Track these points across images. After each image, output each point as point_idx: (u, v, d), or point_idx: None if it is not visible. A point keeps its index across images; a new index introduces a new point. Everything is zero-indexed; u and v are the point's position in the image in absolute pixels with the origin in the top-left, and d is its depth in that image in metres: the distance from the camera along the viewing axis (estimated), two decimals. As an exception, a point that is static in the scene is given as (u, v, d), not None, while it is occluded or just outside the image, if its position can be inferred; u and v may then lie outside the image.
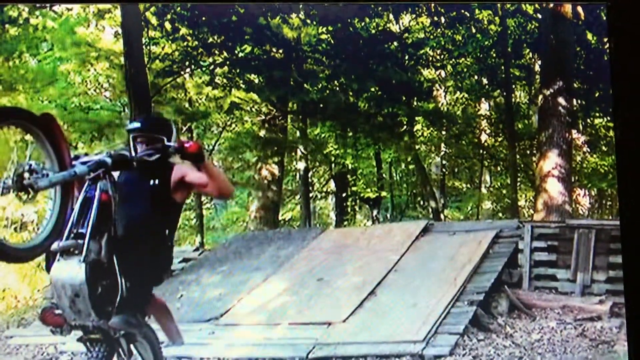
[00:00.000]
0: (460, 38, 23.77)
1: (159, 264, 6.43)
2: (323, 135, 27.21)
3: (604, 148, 26.15)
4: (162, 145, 6.15)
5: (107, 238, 5.81)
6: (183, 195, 6.47)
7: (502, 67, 24.16)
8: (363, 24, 23.25)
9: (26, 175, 5.22)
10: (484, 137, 26.71)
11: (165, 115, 21.31)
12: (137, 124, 6.38)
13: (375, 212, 27.48)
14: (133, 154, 6.32)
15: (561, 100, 18.68)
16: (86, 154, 6.16)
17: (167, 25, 21.15)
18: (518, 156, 24.29)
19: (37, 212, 18.46)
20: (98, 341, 5.97)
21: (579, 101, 23.44)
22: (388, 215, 29.27)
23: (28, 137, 5.82)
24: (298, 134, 26.40)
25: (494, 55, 24.50)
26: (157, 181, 6.29)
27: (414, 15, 25.90)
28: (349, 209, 29.39)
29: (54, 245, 5.67)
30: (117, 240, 5.84)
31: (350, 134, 25.63)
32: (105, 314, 5.74)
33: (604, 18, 20.74)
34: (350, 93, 23.43)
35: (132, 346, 6.24)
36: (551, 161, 18.31)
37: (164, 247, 6.41)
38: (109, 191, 5.84)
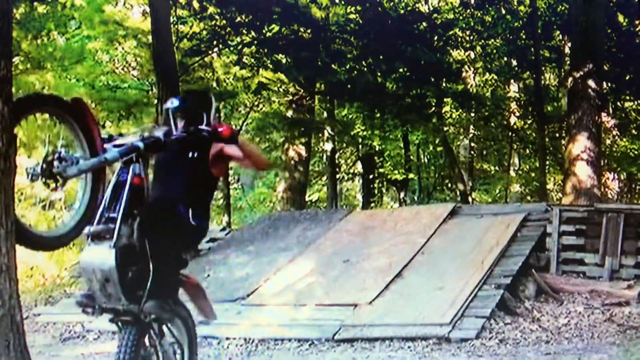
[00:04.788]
0: (489, 19, 23.65)
1: (190, 240, 6.44)
2: (350, 116, 27.23)
3: (634, 132, 26.02)
4: (194, 129, 6.15)
5: (139, 221, 5.79)
6: (220, 169, 6.49)
7: (532, 49, 24.02)
8: (392, 3, 23.21)
9: (55, 163, 5.19)
10: (513, 119, 26.65)
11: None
12: (176, 103, 6.34)
13: (402, 194, 27.49)
14: (174, 129, 6.27)
15: (591, 82, 18.52)
16: (120, 134, 6.21)
17: (195, 4, 21.15)
18: (547, 139, 24.19)
19: (65, 191, 18.56)
20: (129, 323, 5.99)
21: (609, 84, 23.28)
22: (415, 198, 29.28)
23: (59, 122, 5.80)
24: (325, 114, 26.43)
25: (524, 36, 24.37)
26: (196, 154, 6.27)
27: (443, -4, 25.89)
28: (375, 191, 29.43)
29: (85, 230, 5.68)
30: (149, 217, 5.86)
31: (378, 115, 25.61)
32: (135, 298, 5.73)
33: (635, 0, 20.60)
34: (379, 74, 23.36)
35: (163, 327, 6.26)
36: (580, 144, 18.18)
37: (200, 220, 6.42)
38: (142, 174, 5.79)
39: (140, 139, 5.83)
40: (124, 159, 5.65)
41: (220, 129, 6.08)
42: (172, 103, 6.35)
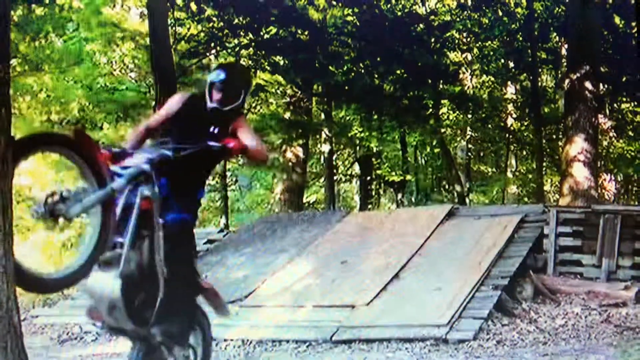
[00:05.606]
0: (486, 21, 23.64)
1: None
2: (348, 117, 27.22)
3: (630, 133, 26.04)
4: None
5: (148, 243, 5.79)
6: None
7: (529, 51, 24.02)
8: (389, 5, 23.16)
9: (59, 205, 5.09)
10: (510, 121, 26.67)
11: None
12: (222, 76, 6.37)
13: (399, 196, 27.47)
14: (208, 100, 6.37)
15: (588, 84, 18.58)
16: (123, 151, 6.09)
17: (193, 6, 21.12)
18: (544, 140, 24.20)
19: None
20: (139, 339, 6.03)
21: (606, 85, 23.30)
22: (413, 199, 29.25)
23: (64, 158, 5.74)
24: (323, 116, 26.41)
25: (521, 38, 24.36)
26: (217, 129, 6.31)
27: (440, -3, 25.91)
28: (373, 192, 29.42)
29: None
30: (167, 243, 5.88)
31: (376, 116, 25.61)
32: (143, 321, 5.83)
33: (632, 1, 20.63)
34: (376, 75, 23.36)
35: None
36: (577, 146, 18.22)
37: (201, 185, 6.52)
38: (150, 197, 5.73)
39: (147, 160, 5.78)
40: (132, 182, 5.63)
41: (230, 145, 6.07)
42: (218, 75, 6.37)
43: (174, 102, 6.68)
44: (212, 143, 6.07)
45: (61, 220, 5.13)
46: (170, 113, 6.60)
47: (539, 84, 25.57)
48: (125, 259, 5.55)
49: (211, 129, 6.30)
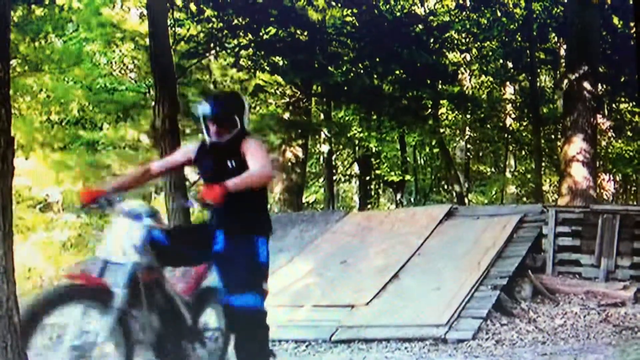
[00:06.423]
0: (485, 21, 23.68)
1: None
2: (347, 118, 27.22)
3: (629, 133, 26.09)
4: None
5: (162, 299, 6.05)
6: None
7: (528, 51, 24.06)
8: (388, 6, 23.18)
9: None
10: (508, 121, 26.70)
11: (190, 97, 21.29)
12: (208, 110, 6.13)
13: (399, 196, 27.48)
14: (206, 136, 6.17)
15: (586, 84, 18.58)
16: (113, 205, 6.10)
17: (192, 7, 21.09)
18: (543, 140, 24.24)
19: (62, 193, 18.56)
20: None
21: (605, 86, 23.35)
22: (412, 199, 29.26)
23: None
24: (322, 116, 26.42)
25: (519, 39, 24.41)
26: (234, 162, 6.08)
27: (439, -2, 25.95)
28: (372, 192, 29.44)
29: None
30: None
31: (375, 117, 25.63)
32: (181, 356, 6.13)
33: (631, 2, 20.67)
34: (375, 76, 23.37)
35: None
36: (576, 146, 18.22)
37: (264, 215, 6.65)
38: (151, 265, 5.86)
39: (139, 250, 5.79)
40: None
41: (208, 199, 5.67)
42: (205, 109, 6.15)
43: (185, 153, 6.60)
44: (189, 203, 5.95)
45: None
46: (179, 162, 6.59)
47: (538, 84, 25.61)
48: (148, 326, 5.80)
49: (229, 165, 6.12)
